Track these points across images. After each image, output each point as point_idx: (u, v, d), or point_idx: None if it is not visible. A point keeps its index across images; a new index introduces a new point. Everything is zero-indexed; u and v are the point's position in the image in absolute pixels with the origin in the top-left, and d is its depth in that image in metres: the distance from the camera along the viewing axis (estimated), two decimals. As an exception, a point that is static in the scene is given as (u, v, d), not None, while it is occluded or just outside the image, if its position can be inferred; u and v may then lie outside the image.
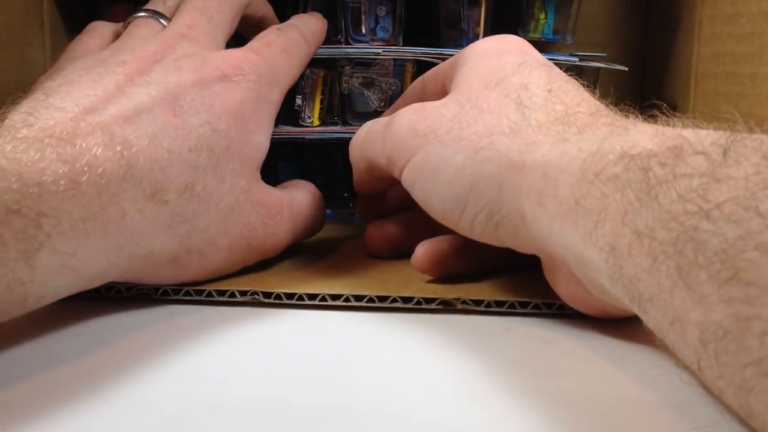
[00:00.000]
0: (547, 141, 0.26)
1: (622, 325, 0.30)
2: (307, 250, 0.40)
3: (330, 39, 0.48)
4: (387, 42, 0.46)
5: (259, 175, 0.34)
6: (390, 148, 0.32)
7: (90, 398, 0.23)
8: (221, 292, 0.33)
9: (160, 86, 0.31)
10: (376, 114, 0.47)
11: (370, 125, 0.35)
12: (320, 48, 0.45)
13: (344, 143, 0.49)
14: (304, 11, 0.46)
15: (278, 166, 0.51)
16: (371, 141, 0.34)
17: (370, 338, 0.30)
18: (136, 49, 0.32)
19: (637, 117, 0.27)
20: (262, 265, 0.36)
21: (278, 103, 0.35)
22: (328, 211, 0.50)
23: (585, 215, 0.23)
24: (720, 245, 0.18)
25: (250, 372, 0.27)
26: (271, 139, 0.47)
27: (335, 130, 0.47)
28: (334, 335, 0.30)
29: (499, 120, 0.28)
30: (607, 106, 0.28)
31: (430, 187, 0.30)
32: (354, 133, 0.46)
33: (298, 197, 0.36)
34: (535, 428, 0.22)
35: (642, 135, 0.23)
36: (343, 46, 0.46)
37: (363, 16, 0.46)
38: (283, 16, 0.48)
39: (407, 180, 0.31)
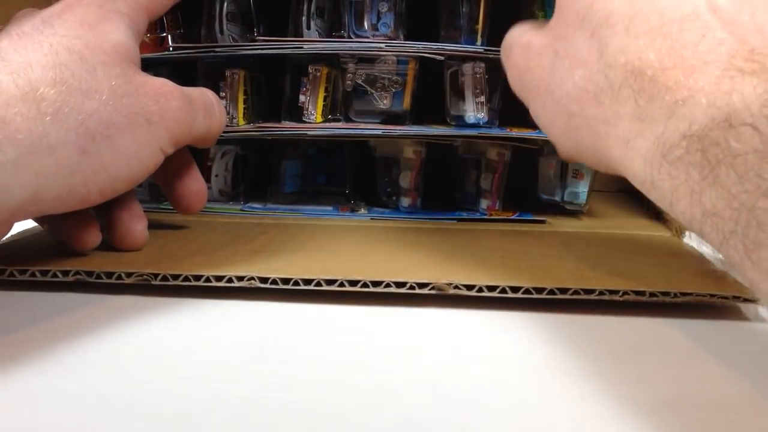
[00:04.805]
0: (625, 115, 0.26)
1: (621, 325, 0.31)
2: (305, 242, 0.41)
3: (333, 35, 0.49)
4: (388, 37, 0.46)
5: (140, 70, 0.35)
6: (511, 83, 0.34)
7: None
8: (219, 278, 0.33)
9: (12, 28, 0.33)
10: (379, 112, 0.48)
11: (506, 40, 0.35)
12: (324, 43, 0.46)
13: (347, 140, 0.50)
14: (308, 8, 0.47)
15: (282, 163, 0.52)
16: (502, 59, 0.35)
17: (367, 336, 0.30)
18: None
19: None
20: (259, 253, 0.37)
21: (130, 13, 0.36)
22: (329, 208, 0.51)
23: (661, 196, 0.24)
24: None
25: (243, 368, 0.27)
26: (275, 136, 0.48)
27: (337, 126, 0.48)
28: (331, 331, 0.31)
29: (585, 81, 0.28)
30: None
31: (548, 135, 0.32)
32: (357, 130, 0.47)
33: (187, 88, 0.37)
34: (535, 428, 0.22)
35: (698, 107, 0.23)
36: (346, 40, 0.47)
37: (365, 12, 0.46)
38: (286, 14, 0.49)
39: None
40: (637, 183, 0.26)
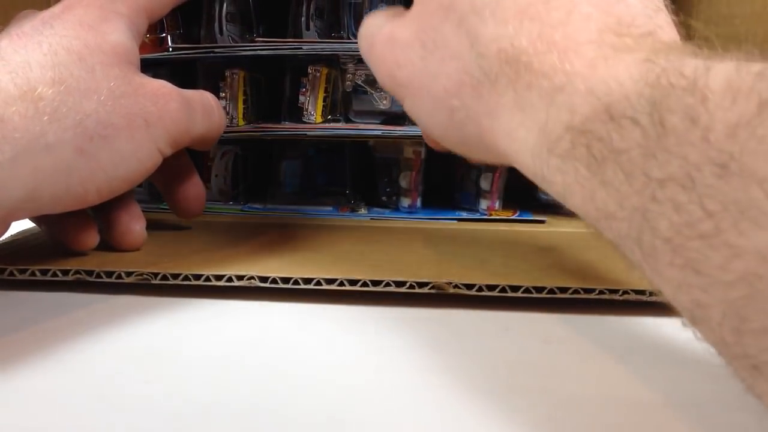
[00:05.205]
0: (506, 105, 0.25)
1: (621, 325, 0.31)
2: (305, 242, 0.41)
3: (333, 35, 0.49)
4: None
5: (139, 71, 0.35)
6: (380, 80, 0.32)
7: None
8: (219, 277, 0.33)
9: (12, 28, 0.33)
10: (379, 112, 0.48)
11: (364, 33, 0.33)
12: (323, 44, 0.46)
13: (347, 140, 0.50)
14: (308, 9, 0.47)
15: (282, 163, 0.52)
16: (362, 53, 0.33)
17: (366, 336, 0.30)
18: None
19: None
20: (259, 252, 0.37)
21: (130, 15, 0.36)
22: (329, 208, 0.51)
23: (554, 191, 0.23)
24: (669, 231, 0.17)
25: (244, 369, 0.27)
26: (275, 136, 0.48)
27: (337, 127, 0.48)
28: (331, 331, 0.31)
29: (460, 73, 0.27)
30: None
31: (427, 131, 0.30)
32: (356, 131, 0.47)
33: (186, 90, 0.37)
34: (535, 428, 0.22)
35: (577, 94, 0.21)
36: (345, 41, 0.47)
37: (364, 13, 0.46)
38: (285, 14, 0.49)
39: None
40: (529, 176, 0.24)
